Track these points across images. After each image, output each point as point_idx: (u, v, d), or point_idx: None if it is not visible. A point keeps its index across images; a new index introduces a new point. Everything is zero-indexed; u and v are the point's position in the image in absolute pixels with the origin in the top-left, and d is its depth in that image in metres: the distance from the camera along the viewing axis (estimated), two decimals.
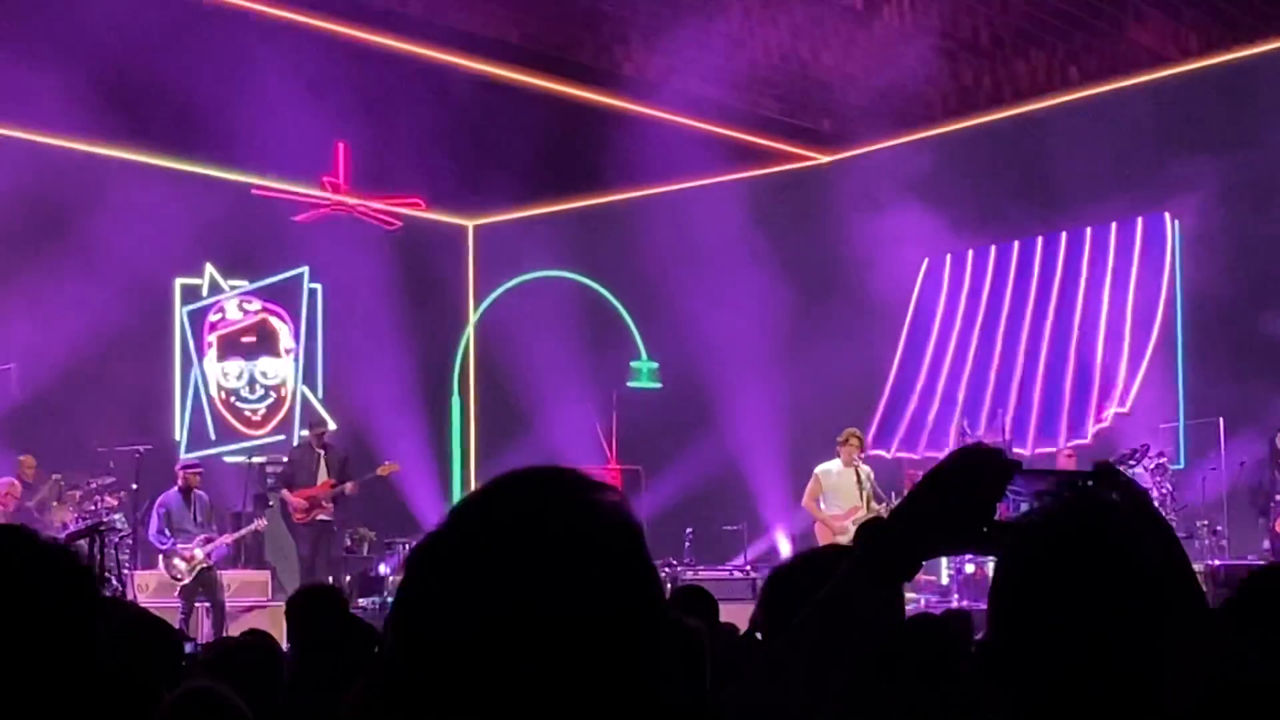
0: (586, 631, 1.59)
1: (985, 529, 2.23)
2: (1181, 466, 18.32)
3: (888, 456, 20.57)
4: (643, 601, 1.65)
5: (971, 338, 21.06)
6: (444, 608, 1.61)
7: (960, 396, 20.81)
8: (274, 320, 22.89)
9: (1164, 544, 2.31)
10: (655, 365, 23.67)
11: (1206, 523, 17.13)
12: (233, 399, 22.67)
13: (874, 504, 16.89)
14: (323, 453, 18.44)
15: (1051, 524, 2.30)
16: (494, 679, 1.57)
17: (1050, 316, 20.35)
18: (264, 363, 22.81)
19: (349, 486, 18.33)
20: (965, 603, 15.65)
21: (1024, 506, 2.33)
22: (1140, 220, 19.67)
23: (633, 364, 23.77)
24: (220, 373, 22.61)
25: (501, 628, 1.58)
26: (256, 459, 20.75)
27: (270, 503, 19.24)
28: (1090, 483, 2.38)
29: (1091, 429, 19.60)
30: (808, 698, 2.12)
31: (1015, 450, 18.23)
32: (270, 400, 22.76)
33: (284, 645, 6.90)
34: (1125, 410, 19.34)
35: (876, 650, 2.16)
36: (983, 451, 2.27)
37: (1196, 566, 15.17)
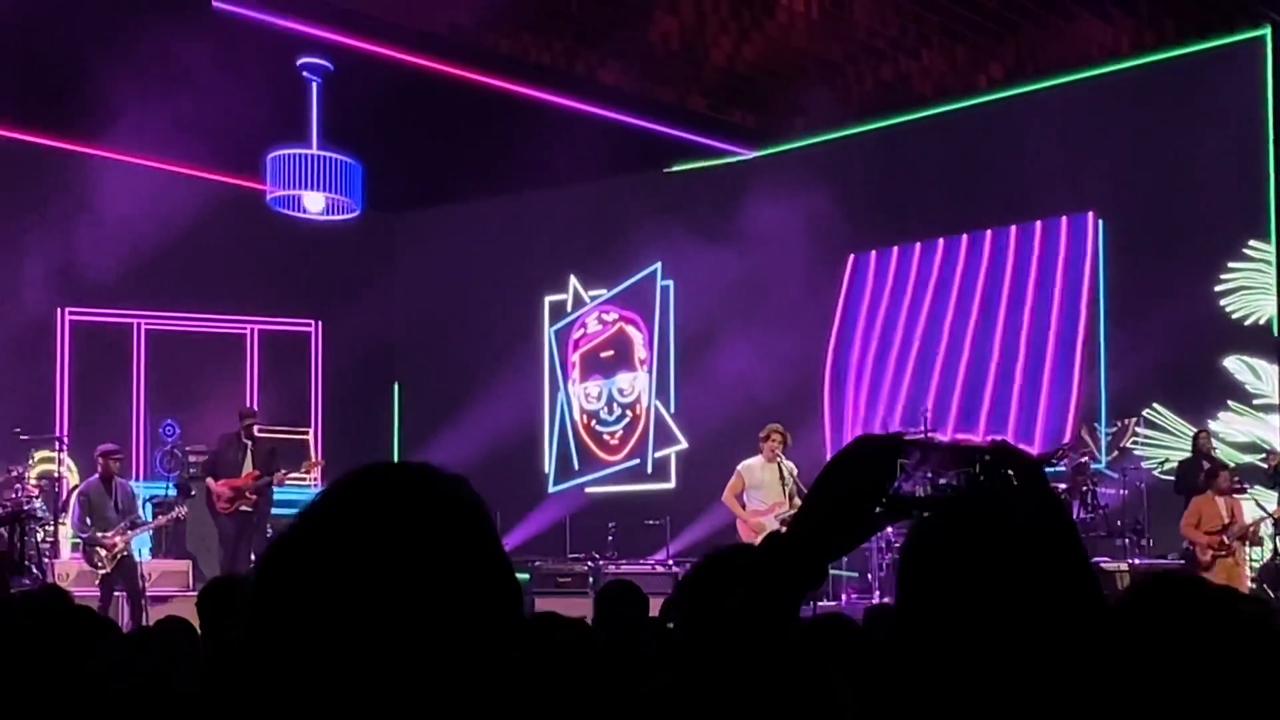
0: (442, 606, 1.63)
1: (880, 509, 2.24)
2: (1102, 465, 18.47)
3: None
4: (494, 577, 1.69)
5: (895, 335, 21.10)
6: (301, 594, 1.64)
7: (885, 392, 20.91)
8: None
9: (1058, 525, 2.31)
10: None
11: (1124, 522, 17.28)
12: None
13: (797, 499, 16.72)
14: (250, 444, 18.31)
15: (949, 514, 2.30)
16: (352, 656, 1.60)
17: (974, 314, 20.43)
18: None
19: (278, 477, 18.20)
20: (888, 599, 15.66)
21: (921, 479, 2.33)
22: (1065, 220, 19.78)
23: None
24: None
25: (356, 604, 1.61)
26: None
27: (193, 491, 19.07)
28: (987, 458, 2.38)
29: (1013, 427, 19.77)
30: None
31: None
32: None
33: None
34: None
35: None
36: (863, 440, 2.27)
37: (1120, 565, 15.41)
